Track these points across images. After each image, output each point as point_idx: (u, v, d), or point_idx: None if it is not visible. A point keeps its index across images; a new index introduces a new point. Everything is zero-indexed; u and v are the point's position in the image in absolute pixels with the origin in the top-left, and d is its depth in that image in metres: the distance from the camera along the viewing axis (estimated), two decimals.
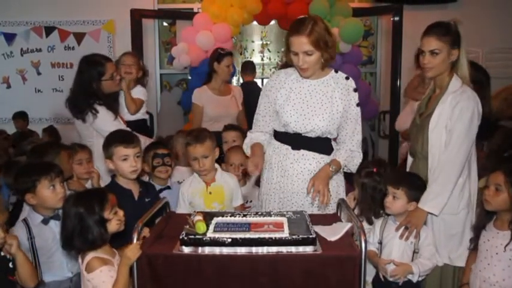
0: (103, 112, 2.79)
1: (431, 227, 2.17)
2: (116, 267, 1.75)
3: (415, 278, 2.05)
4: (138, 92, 3.28)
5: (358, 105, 2.24)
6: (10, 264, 1.82)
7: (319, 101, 2.20)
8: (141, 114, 3.28)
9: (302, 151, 2.23)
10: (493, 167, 2.13)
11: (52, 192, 2.07)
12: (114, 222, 1.81)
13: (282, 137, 2.27)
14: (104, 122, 2.77)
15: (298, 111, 2.19)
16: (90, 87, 2.81)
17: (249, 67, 5.20)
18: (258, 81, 6.23)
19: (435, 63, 2.14)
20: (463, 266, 2.15)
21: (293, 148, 2.24)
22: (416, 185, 2.17)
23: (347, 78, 2.24)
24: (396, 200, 2.14)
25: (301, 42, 2.05)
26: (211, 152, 2.34)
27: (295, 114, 2.19)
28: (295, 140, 2.23)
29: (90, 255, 1.75)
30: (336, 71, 2.25)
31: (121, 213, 1.84)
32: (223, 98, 3.78)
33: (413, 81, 3.59)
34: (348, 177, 2.40)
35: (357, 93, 2.24)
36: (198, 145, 2.30)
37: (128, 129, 2.77)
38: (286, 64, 3.39)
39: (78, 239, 1.74)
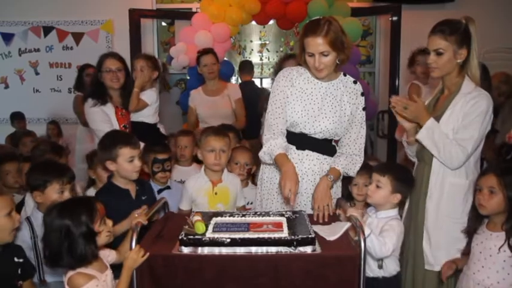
0: (89, 101, 2.97)
1: (433, 230, 2.13)
2: (103, 282, 1.65)
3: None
4: (147, 96, 3.25)
5: (364, 109, 2.25)
6: (19, 271, 1.82)
7: (329, 103, 2.19)
8: (148, 119, 3.26)
9: (306, 151, 2.23)
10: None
11: (59, 197, 2.06)
12: (104, 235, 1.67)
13: (286, 136, 2.23)
14: (87, 109, 2.95)
15: (309, 113, 2.18)
16: (94, 79, 3.09)
17: (246, 67, 5.21)
18: (257, 81, 6.24)
19: (440, 63, 2.09)
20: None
21: (297, 148, 2.23)
22: (403, 177, 2.09)
23: (355, 82, 2.24)
24: (379, 189, 2.06)
25: (318, 43, 2.03)
26: (228, 148, 2.39)
27: (306, 115, 2.18)
28: (301, 140, 2.22)
29: (74, 270, 1.61)
30: (345, 74, 2.25)
31: (110, 223, 1.71)
32: (212, 99, 3.84)
33: (410, 92, 3.58)
34: None
35: (363, 98, 2.25)
36: (218, 137, 2.35)
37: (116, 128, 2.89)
38: (286, 57, 3.43)
39: (66, 256, 1.57)
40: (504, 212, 1.92)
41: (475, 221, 2.02)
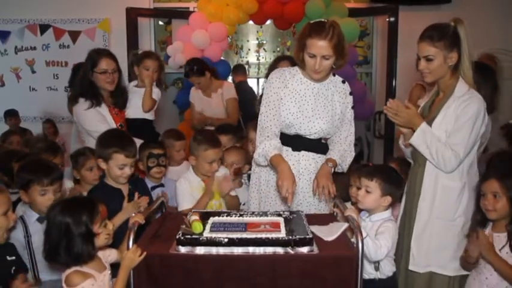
0: (81, 102, 2.82)
1: (424, 232, 2.12)
2: (100, 282, 1.65)
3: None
4: (154, 93, 3.25)
5: (352, 107, 2.29)
6: (12, 270, 1.81)
7: (322, 104, 2.22)
8: (149, 115, 3.26)
9: (302, 152, 2.25)
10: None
11: (42, 197, 2.05)
12: (103, 237, 1.67)
13: (281, 138, 2.23)
14: (79, 113, 2.81)
15: (304, 114, 2.20)
16: (85, 77, 2.86)
17: (239, 69, 5.35)
18: (254, 81, 6.27)
19: (431, 69, 2.09)
20: (458, 275, 2.10)
21: (293, 149, 2.25)
22: (391, 178, 2.07)
23: (343, 82, 2.29)
24: (369, 194, 2.04)
25: (322, 47, 2.05)
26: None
27: (301, 116, 2.19)
28: (296, 142, 2.24)
29: (71, 268, 1.62)
30: (334, 74, 2.28)
31: (110, 226, 1.72)
32: (207, 99, 3.91)
33: (413, 93, 3.55)
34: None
35: (351, 97, 2.29)
36: (218, 149, 2.38)
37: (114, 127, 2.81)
38: (280, 58, 3.44)
39: (63, 253, 1.59)
40: (509, 215, 1.94)
41: (478, 224, 2.02)
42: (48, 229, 1.63)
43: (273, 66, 3.38)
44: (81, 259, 1.62)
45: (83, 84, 2.86)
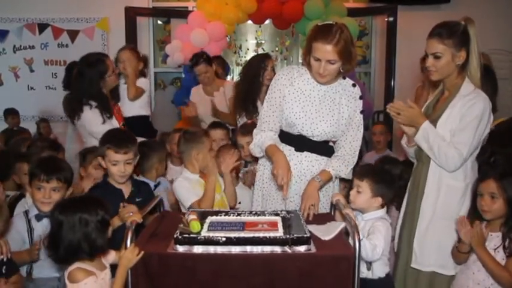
0: (87, 112, 2.83)
1: (427, 231, 2.12)
2: (101, 280, 1.66)
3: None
4: (141, 83, 3.32)
5: (361, 112, 2.25)
6: (3, 270, 1.81)
7: (327, 106, 2.20)
8: (143, 110, 3.27)
9: (305, 153, 2.24)
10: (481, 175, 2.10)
11: (37, 192, 2.06)
12: None
13: (285, 137, 2.24)
14: (89, 122, 2.83)
15: (307, 114, 2.18)
16: (92, 88, 2.85)
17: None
18: None
19: (438, 67, 2.08)
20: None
21: (296, 150, 2.24)
22: (383, 179, 2.05)
23: (354, 85, 2.24)
24: (360, 194, 2.03)
25: (327, 51, 2.01)
26: None
27: (304, 116, 2.18)
28: (299, 142, 2.23)
29: (74, 265, 1.63)
30: (344, 77, 2.24)
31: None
32: (211, 98, 3.87)
33: (417, 93, 3.54)
34: None
35: (361, 101, 2.25)
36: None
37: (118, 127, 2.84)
38: (266, 56, 3.45)
39: (63, 249, 1.60)
40: (504, 215, 1.94)
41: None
42: (65, 229, 1.61)
43: (262, 63, 3.37)
44: (81, 253, 1.61)
45: (92, 92, 2.85)
